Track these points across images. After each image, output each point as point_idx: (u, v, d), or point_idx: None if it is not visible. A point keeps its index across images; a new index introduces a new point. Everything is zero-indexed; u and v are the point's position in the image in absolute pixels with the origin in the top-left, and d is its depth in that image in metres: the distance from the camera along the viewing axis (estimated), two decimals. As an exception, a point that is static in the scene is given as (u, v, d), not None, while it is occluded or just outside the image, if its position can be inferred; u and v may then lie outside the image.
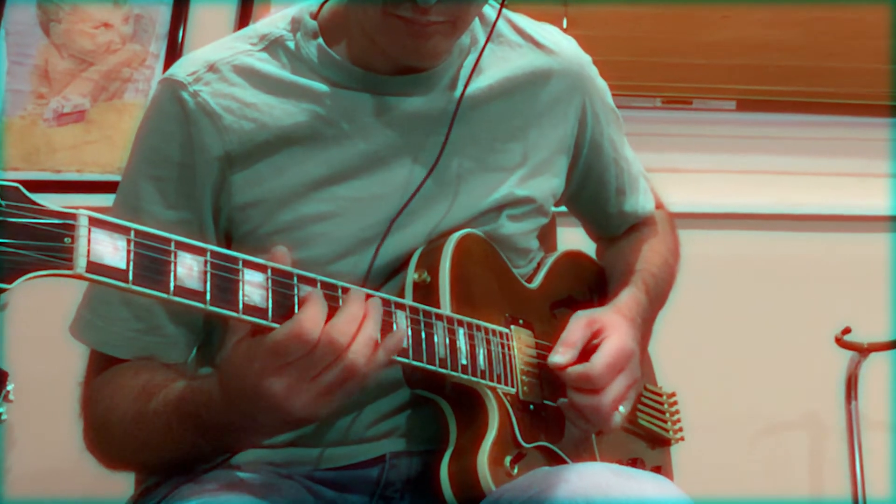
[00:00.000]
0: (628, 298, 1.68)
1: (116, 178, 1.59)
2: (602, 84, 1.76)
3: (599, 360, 1.52)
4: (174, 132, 1.48)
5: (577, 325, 1.56)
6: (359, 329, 1.25)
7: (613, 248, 1.88)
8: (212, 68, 1.50)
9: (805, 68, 2.91)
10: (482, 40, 1.61)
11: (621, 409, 1.54)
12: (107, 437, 1.48)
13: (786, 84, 2.93)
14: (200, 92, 1.48)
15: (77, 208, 1.07)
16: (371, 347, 1.26)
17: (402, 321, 1.36)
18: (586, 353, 1.54)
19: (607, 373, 1.51)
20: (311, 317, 1.23)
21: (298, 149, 1.50)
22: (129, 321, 1.50)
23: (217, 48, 1.54)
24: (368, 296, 1.31)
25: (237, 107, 1.48)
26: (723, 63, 2.90)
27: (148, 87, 2.56)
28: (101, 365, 1.52)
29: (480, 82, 1.60)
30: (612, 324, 1.57)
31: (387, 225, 1.51)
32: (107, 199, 1.54)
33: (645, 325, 1.70)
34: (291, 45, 1.53)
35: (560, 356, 1.53)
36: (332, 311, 1.26)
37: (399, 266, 1.53)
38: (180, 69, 1.51)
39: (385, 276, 1.52)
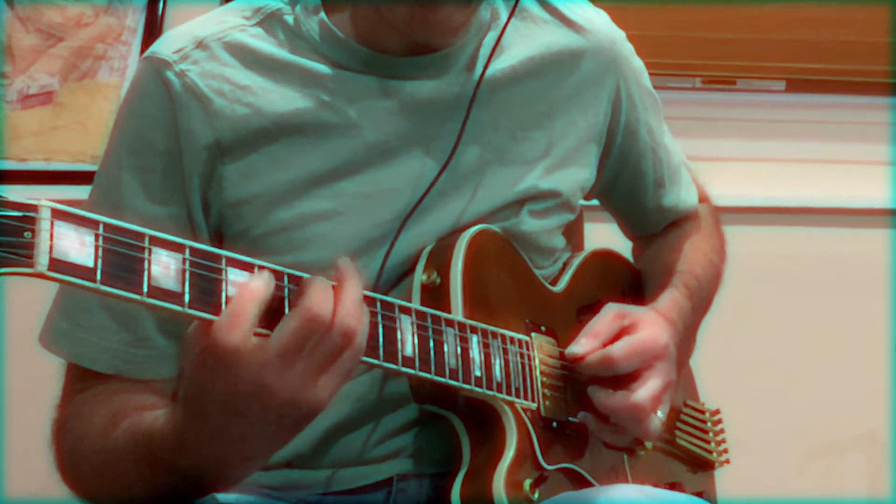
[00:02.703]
0: (668, 301, 1.68)
1: (88, 167, 1.59)
2: (638, 64, 1.76)
3: (622, 343, 1.52)
4: (158, 117, 1.48)
5: (605, 317, 1.57)
6: (338, 295, 1.22)
7: (651, 248, 1.88)
8: (200, 45, 1.50)
9: (863, 44, 2.91)
10: (505, 16, 1.60)
11: (659, 413, 1.53)
12: (78, 471, 1.45)
13: (841, 62, 2.93)
14: (188, 72, 1.48)
15: (39, 199, 1.07)
16: (358, 309, 1.23)
17: (407, 327, 1.35)
18: None
19: (631, 356, 1.52)
20: (320, 299, 1.21)
21: (298, 139, 1.49)
22: (114, 331, 1.48)
23: (205, 22, 1.54)
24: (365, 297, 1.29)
25: (229, 89, 1.48)
26: (771, 38, 2.90)
27: (124, 65, 2.56)
28: (80, 382, 1.50)
29: (501, 63, 1.59)
30: (647, 320, 1.57)
31: (396, 224, 1.51)
32: (77, 192, 1.55)
33: (687, 332, 1.69)
34: (290, 19, 1.53)
35: (579, 346, 1.53)
36: None
37: (408, 269, 1.53)
38: (165, 46, 1.51)
39: (393, 281, 1.52)
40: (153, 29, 2.55)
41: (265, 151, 1.49)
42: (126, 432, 1.36)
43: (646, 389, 1.51)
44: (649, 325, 1.56)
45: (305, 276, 1.26)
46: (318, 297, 1.19)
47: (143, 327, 1.49)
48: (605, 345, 1.53)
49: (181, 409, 1.24)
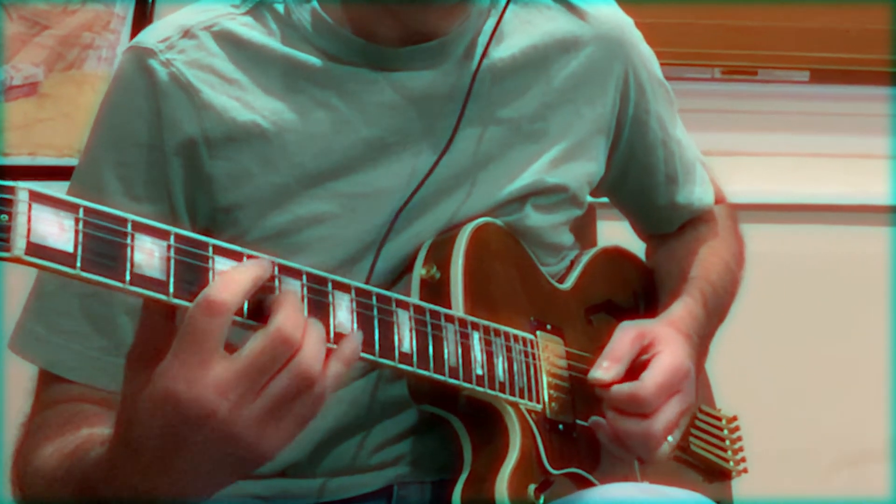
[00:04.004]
0: (682, 311, 1.68)
1: (74, 162, 1.59)
2: (647, 51, 1.76)
3: (651, 379, 1.51)
4: (141, 108, 1.48)
5: (625, 338, 1.56)
6: (304, 331, 1.18)
7: (665, 249, 1.88)
8: (187, 34, 1.50)
9: (892, 33, 2.90)
10: (504, 2, 1.60)
11: (670, 438, 1.54)
12: (28, 489, 1.41)
13: (868, 51, 2.92)
14: (174, 61, 1.48)
15: (17, 182, 1.07)
16: (322, 350, 1.19)
17: (404, 322, 1.35)
18: (634, 370, 1.54)
19: (660, 394, 1.51)
20: (289, 319, 1.16)
21: (290, 136, 1.50)
22: (91, 337, 1.47)
23: (193, 11, 1.54)
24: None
25: (217, 81, 1.49)
26: (794, 26, 2.90)
27: (112, 54, 2.56)
28: (52, 391, 1.49)
29: (502, 51, 1.60)
30: (665, 338, 1.57)
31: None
32: (63, 189, 1.55)
33: (701, 343, 1.70)
34: (280, 8, 1.53)
35: (603, 371, 1.52)
36: (322, 308, 1.25)
37: (406, 268, 1.53)
38: (150, 35, 1.51)
39: (391, 281, 1.52)
40: (143, 16, 2.55)
41: (255, 150, 1.49)
42: (65, 456, 1.33)
43: (662, 418, 1.52)
44: (669, 346, 1.56)
45: (299, 267, 1.25)
46: (291, 319, 1.15)
47: (122, 334, 1.47)
48: (629, 370, 1.53)
49: (117, 437, 1.19)
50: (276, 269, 1.23)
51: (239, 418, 1.13)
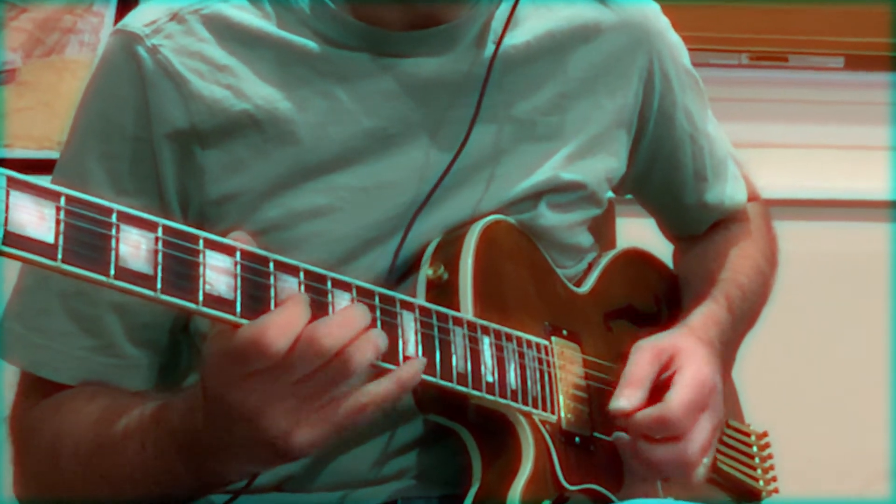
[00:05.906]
0: (705, 316, 1.68)
1: (55, 155, 1.59)
2: (675, 39, 1.76)
3: (677, 398, 1.51)
4: (127, 97, 1.48)
5: (642, 359, 1.55)
6: (357, 337, 1.23)
7: (693, 251, 1.88)
8: (175, 17, 1.50)
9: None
10: None
11: (705, 459, 1.54)
12: (53, 474, 1.47)
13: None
14: (161, 47, 1.48)
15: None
16: (372, 357, 1.25)
17: (409, 325, 1.35)
18: (657, 390, 1.53)
19: (689, 412, 1.51)
20: (281, 321, 1.21)
21: (285, 126, 1.50)
22: (76, 337, 1.49)
23: None
24: (363, 290, 1.31)
25: (207, 69, 1.49)
26: (827, 9, 2.90)
27: (96, 39, 2.57)
28: (38, 393, 1.51)
29: (515, 38, 1.59)
30: (685, 350, 1.57)
31: (399, 220, 1.52)
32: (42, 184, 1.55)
33: (726, 350, 1.70)
34: None
35: (625, 399, 1.51)
36: (321, 308, 1.26)
37: (410, 267, 1.53)
38: (137, 18, 1.51)
39: (393, 282, 1.52)
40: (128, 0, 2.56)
41: (248, 140, 1.49)
42: (132, 419, 1.39)
43: (696, 439, 1.52)
44: (692, 359, 1.56)
45: (296, 263, 1.27)
46: (276, 326, 1.21)
47: (109, 333, 1.50)
48: (651, 393, 1.53)
49: (200, 388, 1.29)
50: (272, 264, 1.24)
51: (268, 420, 1.23)
